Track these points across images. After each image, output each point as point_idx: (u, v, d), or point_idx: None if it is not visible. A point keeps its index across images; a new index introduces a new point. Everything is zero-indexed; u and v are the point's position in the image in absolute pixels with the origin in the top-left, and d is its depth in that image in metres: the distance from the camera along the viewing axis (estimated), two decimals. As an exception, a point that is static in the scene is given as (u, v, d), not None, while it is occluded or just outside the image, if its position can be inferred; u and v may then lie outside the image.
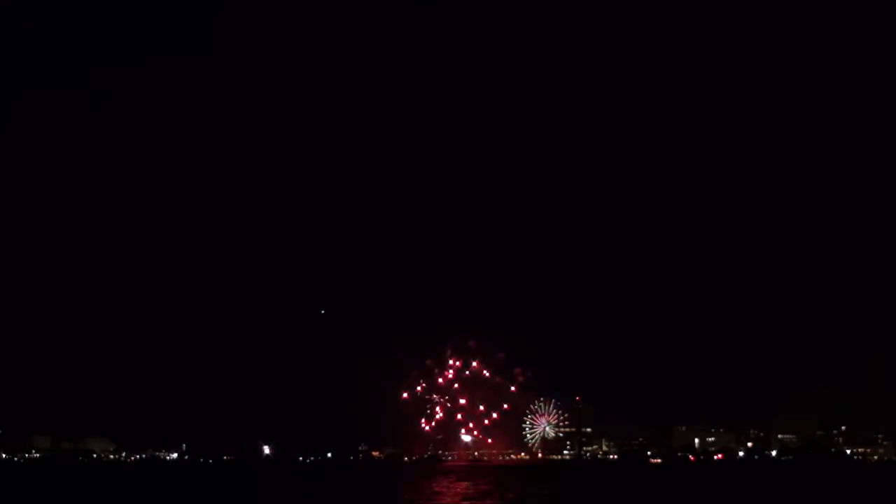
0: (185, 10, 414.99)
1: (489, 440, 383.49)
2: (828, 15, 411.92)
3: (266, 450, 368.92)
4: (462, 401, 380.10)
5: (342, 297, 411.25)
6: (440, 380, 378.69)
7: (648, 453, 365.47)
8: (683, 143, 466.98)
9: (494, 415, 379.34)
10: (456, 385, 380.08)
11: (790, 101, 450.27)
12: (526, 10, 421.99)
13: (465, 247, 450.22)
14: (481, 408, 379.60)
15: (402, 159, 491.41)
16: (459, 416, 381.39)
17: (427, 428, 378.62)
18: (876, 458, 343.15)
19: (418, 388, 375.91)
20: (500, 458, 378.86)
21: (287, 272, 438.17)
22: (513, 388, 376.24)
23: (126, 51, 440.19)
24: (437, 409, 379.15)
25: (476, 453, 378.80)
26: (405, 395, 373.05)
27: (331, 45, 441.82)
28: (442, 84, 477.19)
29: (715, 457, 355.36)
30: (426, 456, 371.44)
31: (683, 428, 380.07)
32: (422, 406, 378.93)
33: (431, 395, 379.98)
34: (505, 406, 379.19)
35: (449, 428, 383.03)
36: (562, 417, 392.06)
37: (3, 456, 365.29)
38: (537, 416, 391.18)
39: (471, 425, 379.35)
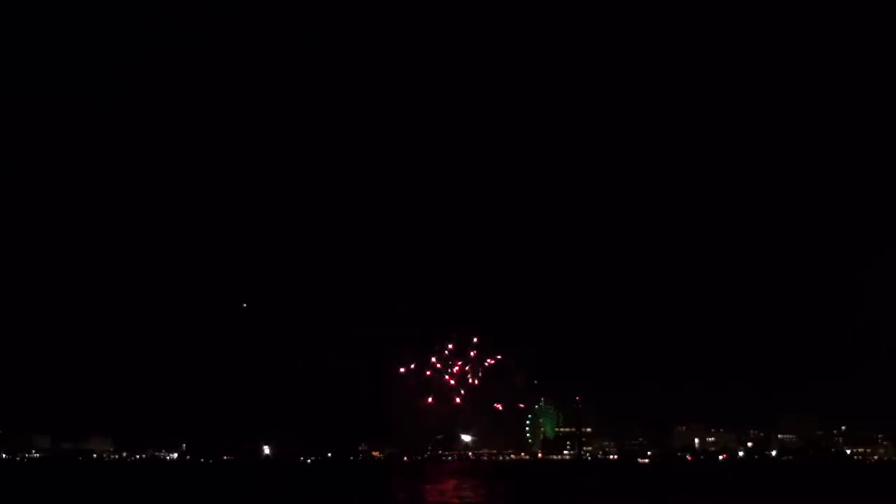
0: (180, 8, 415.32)
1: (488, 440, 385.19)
2: (833, 14, 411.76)
3: (266, 450, 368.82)
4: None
5: (341, 298, 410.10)
6: (442, 381, 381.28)
7: (649, 453, 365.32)
8: (687, 151, 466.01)
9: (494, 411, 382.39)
10: (455, 384, 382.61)
11: (795, 107, 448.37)
12: (517, 21, 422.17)
13: (467, 254, 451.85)
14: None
15: (400, 169, 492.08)
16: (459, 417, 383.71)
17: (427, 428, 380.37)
18: (876, 458, 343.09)
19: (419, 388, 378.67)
20: (501, 457, 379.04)
21: (286, 273, 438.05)
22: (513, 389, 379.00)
23: (124, 49, 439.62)
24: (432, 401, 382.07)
25: (471, 453, 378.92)
26: (429, 400, 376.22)
27: (321, 48, 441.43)
28: (432, 98, 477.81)
29: (719, 457, 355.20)
30: (426, 456, 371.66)
31: (683, 428, 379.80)
32: (421, 407, 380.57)
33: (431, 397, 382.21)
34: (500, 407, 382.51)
35: (449, 428, 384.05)
36: (562, 417, 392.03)
37: (4, 456, 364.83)
38: (537, 415, 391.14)
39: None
